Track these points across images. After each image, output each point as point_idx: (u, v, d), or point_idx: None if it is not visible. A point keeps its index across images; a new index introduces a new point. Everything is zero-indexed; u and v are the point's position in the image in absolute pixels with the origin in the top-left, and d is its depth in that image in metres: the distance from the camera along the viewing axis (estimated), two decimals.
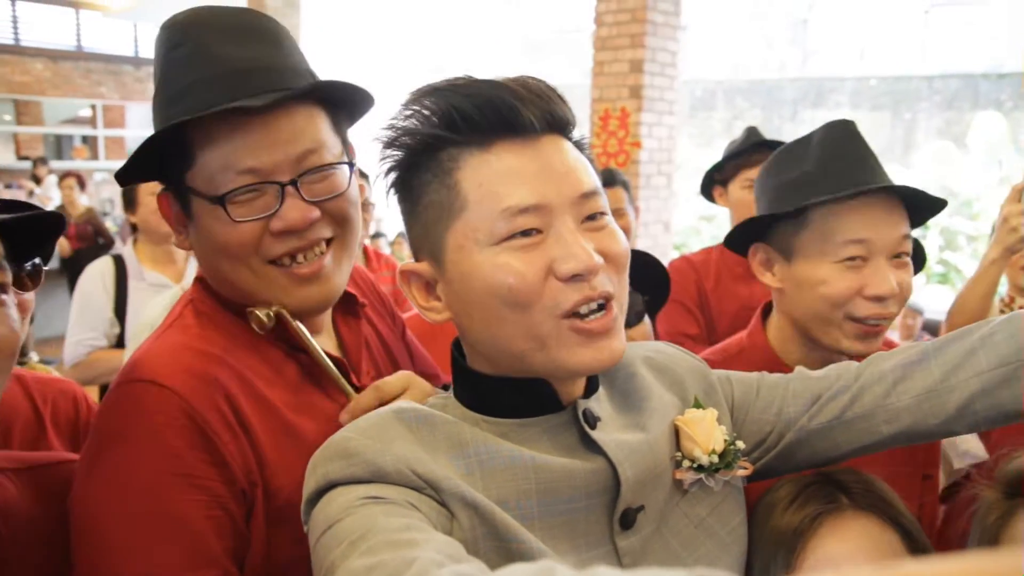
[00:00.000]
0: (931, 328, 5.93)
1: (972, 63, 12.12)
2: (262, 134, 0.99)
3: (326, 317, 1.18)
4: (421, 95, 0.86)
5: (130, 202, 2.80)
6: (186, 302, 1.10)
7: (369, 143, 0.92)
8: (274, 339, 1.07)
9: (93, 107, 13.45)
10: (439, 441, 0.84)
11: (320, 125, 1.05)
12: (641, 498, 0.89)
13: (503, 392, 0.88)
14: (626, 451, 0.88)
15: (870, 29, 13.19)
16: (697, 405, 0.98)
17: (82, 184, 8.06)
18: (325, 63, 12.93)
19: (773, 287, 1.41)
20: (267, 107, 0.98)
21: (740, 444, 0.96)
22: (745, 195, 2.55)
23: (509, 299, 0.81)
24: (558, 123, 0.86)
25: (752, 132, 2.68)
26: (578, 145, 0.89)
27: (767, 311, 1.49)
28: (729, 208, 2.69)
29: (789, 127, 12.82)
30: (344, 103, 1.11)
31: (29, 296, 1.08)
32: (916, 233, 1.73)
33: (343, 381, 1.10)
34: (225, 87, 0.99)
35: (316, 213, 1.03)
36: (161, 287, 2.67)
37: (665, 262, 2.75)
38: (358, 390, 1.12)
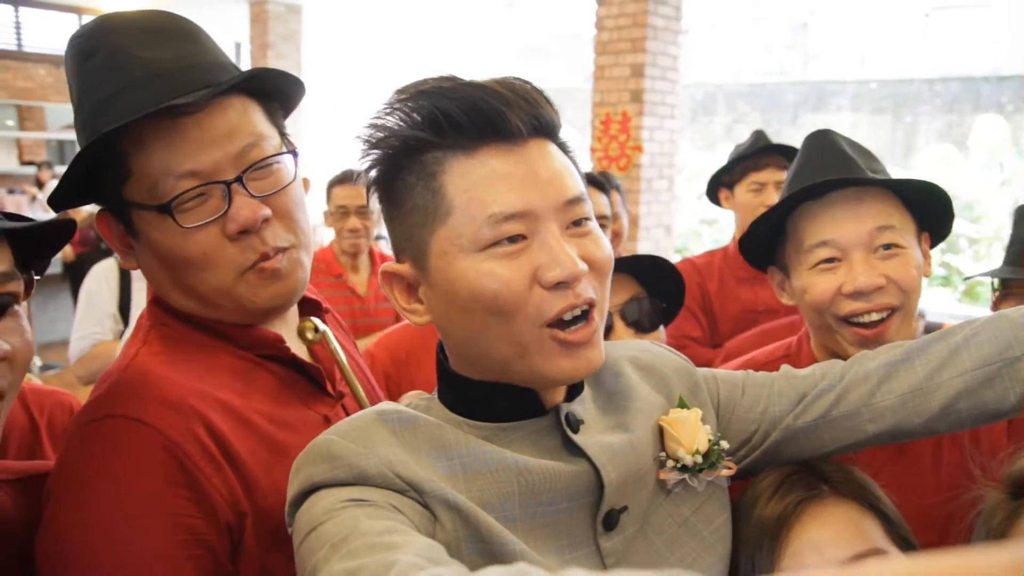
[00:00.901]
0: (933, 331, 5.92)
1: (973, 66, 12.12)
2: (197, 134, 0.96)
3: (294, 324, 1.15)
4: (406, 95, 0.85)
5: None
6: (148, 328, 1.05)
7: (352, 142, 0.90)
8: (241, 348, 1.04)
9: None
10: (422, 443, 0.84)
11: (255, 117, 1.02)
12: (624, 499, 0.89)
13: (486, 396, 0.88)
14: (609, 453, 0.88)
15: (871, 33, 13.19)
16: (682, 404, 0.98)
17: None
18: (325, 67, 12.94)
19: (792, 304, 1.40)
20: (200, 105, 0.94)
21: (724, 444, 0.96)
22: (751, 198, 2.55)
23: (493, 307, 0.81)
24: (544, 127, 0.86)
25: (759, 136, 2.68)
26: (563, 147, 0.89)
27: None
28: (734, 211, 2.69)
29: (790, 131, 12.81)
30: (275, 93, 1.08)
31: (24, 304, 1.08)
32: None
33: (358, 388, 1.07)
34: (151, 90, 0.94)
35: (267, 210, 0.99)
36: None
37: (682, 259, 2.76)
38: (336, 397, 1.11)
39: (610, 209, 2.71)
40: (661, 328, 1.71)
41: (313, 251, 1.11)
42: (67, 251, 7.49)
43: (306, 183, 1.11)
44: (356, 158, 0.89)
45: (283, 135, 1.08)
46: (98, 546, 0.86)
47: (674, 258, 6.45)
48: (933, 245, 1.38)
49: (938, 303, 7.65)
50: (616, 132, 6.26)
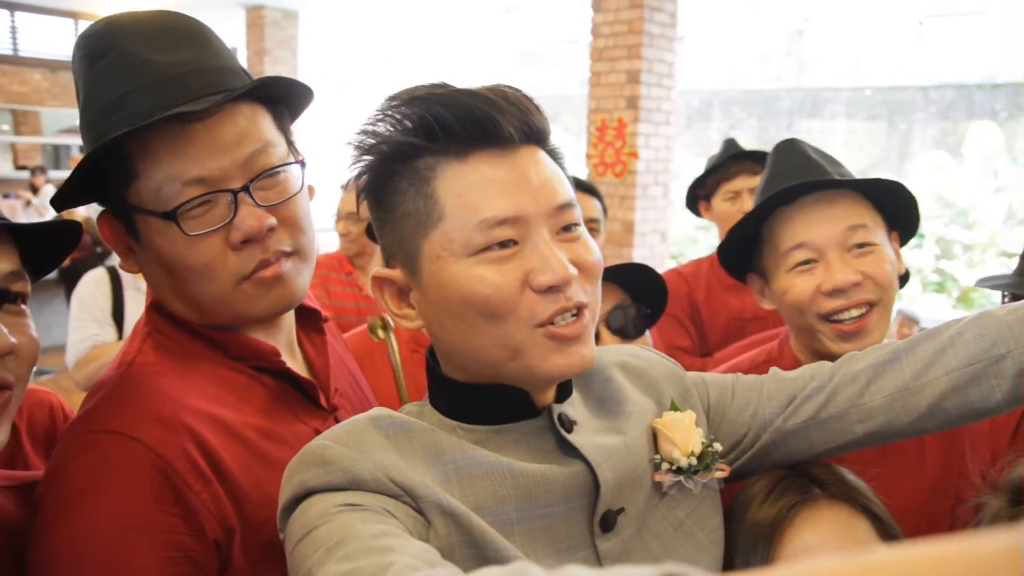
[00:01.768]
0: None
1: (967, 73, 12.18)
2: (206, 140, 0.95)
3: (292, 336, 1.14)
4: (398, 101, 0.85)
5: None
6: (144, 335, 1.04)
7: (342, 148, 0.90)
8: (236, 359, 1.03)
9: None
10: (416, 448, 0.84)
11: (263, 124, 1.01)
12: (621, 500, 0.89)
13: (478, 399, 0.88)
14: (604, 453, 0.89)
15: (865, 40, 13.25)
16: (674, 408, 0.98)
17: None
18: (321, 73, 12.93)
19: (772, 309, 1.43)
20: (209, 111, 0.94)
21: (717, 446, 0.97)
22: (727, 207, 2.57)
23: (485, 310, 0.81)
24: (535, 134, 0.87)
25: (730, 144, 2.70)
26: (553, 154, 0.90)
27: None
28: (714, 221, 2.70)
29: (785, 137, 12.84)
30: (284, 99, 1.07)
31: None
32: (912, 243, 1.74)
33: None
34: (160, 94, 0.93)
35: (272, 220, 0.98)
36: None
37: (661, 271, 2.76)
38: (329, 411, 1.10)
39: (600, 213, 2.70)
40: (648, 334, 1.73)
41: (315, 260, 1.10)
42: None
43: (311, 190, 1.11)
44: (347, 164, 0.89)
45: (290, 142, 1.07)
46: (86, 561, 0.86)
47: (669, 264, 6.47)
48: (902, 244, 1.42)
49: (933, 309, 7.67)
50: (612, 138, 6.27)
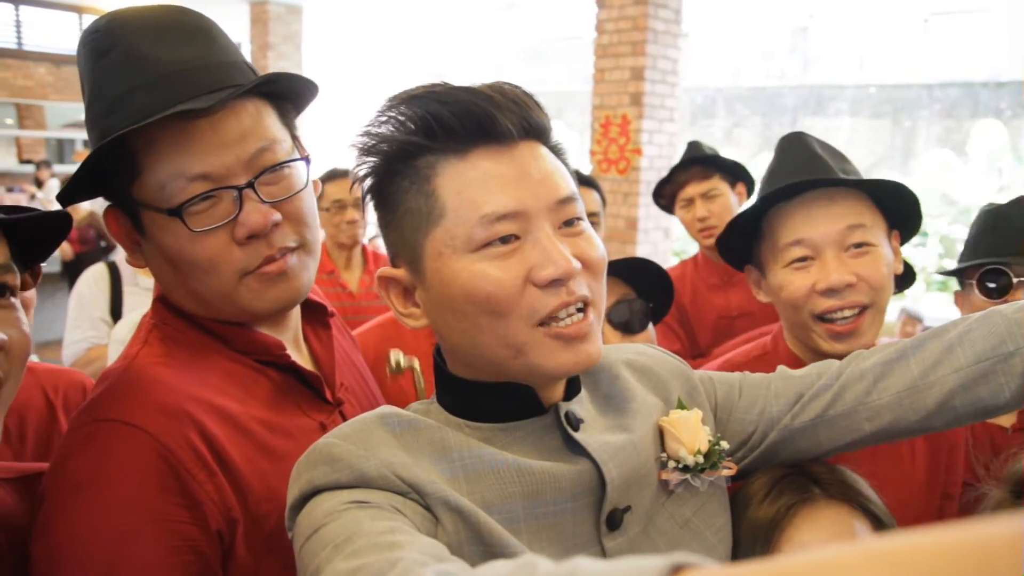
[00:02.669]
0: None
1: (972, 71, 12.15)
2: (210, 136, 0.95)
3: (298, 330, 1.15)
4: (398, 102, 0.85)
5: None
6: (150, 327, 1.04)
7: (345, 149, 0.90)
8: (241, 352, 1.04)
9: None
10: (423, 446, 0.84)
11: (268, 120, 1.01)
12: (627, 499, 0.89)
13: (485, 397, 0.88)
14: (610, 451, 0.88)
15: (870, 37, 13.22)
16: (681, 406, 0.98)
17: None
18: (325, 68, 12.91)
19: (767, 302, 1.43)
20: (213, 108, 0.93)
21: (724, 444, 0.97)
22: (684, 215, 2.59)
23: (487, 307, 0.81)
24: (535, 129, 0.86)
25: (689, 148, 2.70)
26: (555, 150, 0.90)
27: None
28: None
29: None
30: (288, 95, 1.07)
31: (30, 294, 1.09)
32: (915, 242, 1.74)
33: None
34: (165, 91, 0.93)
35: (277, 216, 0.98)
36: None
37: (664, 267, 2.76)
38: (334, 405, 1.10)
39: (600, 206, 2.70)
40: (650, 327, 1.72)
41: (320, 255, 1.10)
42: (66, 250, 7.48)
43: (316, 185, 1.11)
44: (351, 165, 0.89)
45: (295, 138, 1.07)
46: (90, 550, 0.87)
47: (672, 261, 6.45)
48: (903, 242, 1.41)
49: (937, 308, 7.66)
50: (616, 135, 6.27)
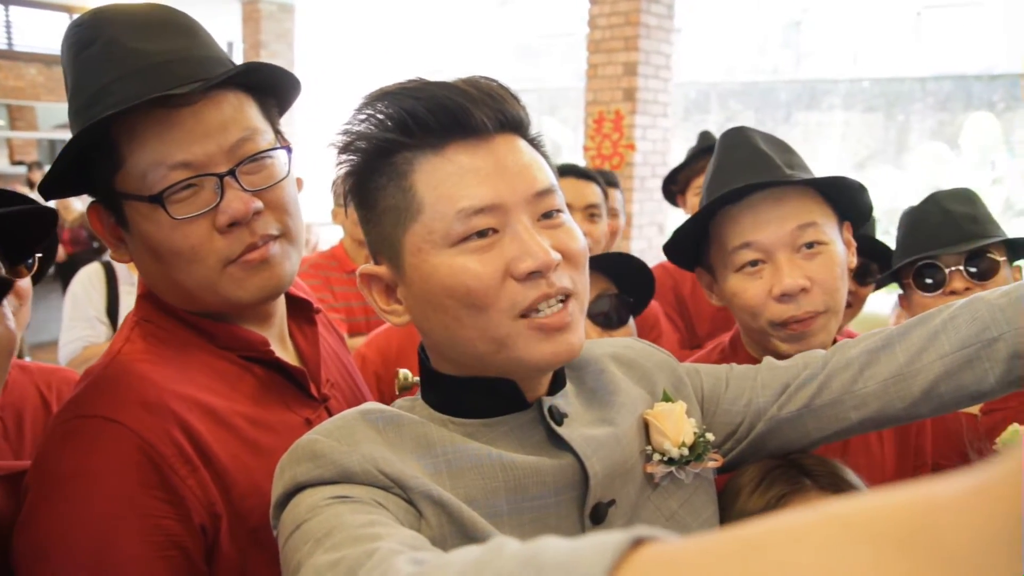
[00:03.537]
0: None
1: (965, 65, 12.17)
2: (191, 125, 0.95)
3: (283, 326, 1.15)
4: (373, 99, 0.86)
5: None
6: (133, 324, 1.05)
7: (325, 148, 0.91)
8: (225, 348, 1.04)
9: None
10: (406, 442, 0.84)
11: (249, 111, 1.02)
12: (611, 492, 0.89)
13: (468, 392, 0.89)
14: (594, 446, 0.88)
15: (863, 31, 13.23)
16: (666, 398, 0.98)
17: None
18: (318, 66, 12.89)
19: (721, 306, 1.41)
20: (194, 96, 0.95)
21: (710, 436, 0.97)
22: (698, 202, 2.56)
23: (467, 301, 0.81)
24: (511, 122, 0.87)
25: (703, 138, 2.70)
26: (533, 143, 0.90)
27: None
28: (689, 215, 2.71)
29: (783, 129, 12.85)
30: (271, 89, 1.07)
31: (25, 284, 1.08)
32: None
33: None
34: (146, 81, 0.94)
35: (258, 203, 0.99)
36: None
37: (656, 263, 2.77)
38: (320, 401, 1.10)
39: (600, 198, 2.69)
40: (631, 322, 1.73)
41: (303, 251, 1.11)
42: (59, 251, 7.45)
43: (299, 183, 1.11)
44: (332, 164, 0.90)
45: (277, 131, 1.07)
46: (72, 545, 0.87)
47: None
48: (855, 229, 1.38)
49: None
50: (609, 131, 6.27)
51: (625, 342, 1.07)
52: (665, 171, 6.58)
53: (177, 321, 1.04)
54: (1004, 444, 1.35)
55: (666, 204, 6.64)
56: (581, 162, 6.47)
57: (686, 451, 0.93)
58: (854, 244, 1.36)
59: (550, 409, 0.89)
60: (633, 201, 6.25)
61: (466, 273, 0.81)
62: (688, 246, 1.41)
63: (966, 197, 1.71)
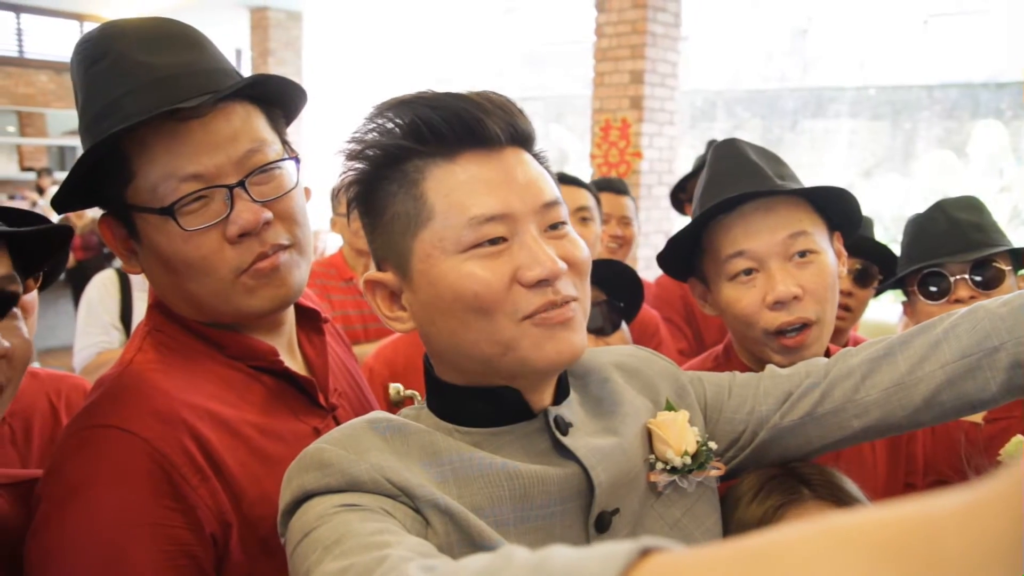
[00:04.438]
0: None
1: (972, 72, 12.15)
2: (200, 137, 0.97)
3: (292, 336, 1.16)
4: (385, 108, 0.87)
5: None
6: (144, 334, 1.06)
7: (333, 156, 0.92)
8: (235, 358, 1.05)
9: None
10: (412, 450, 0.85)
11: (257, 123, 1.03)
12: (616, 501, 0.90)
13: (473, 402, 0.89)
14: (599, 455, 0.89)
15: (869, 39, 13.22)
16: (669, 407, 0.99)
17: None
18: (326, 74, 12.93)
19: (715, 315, 1.41)
20: (203, 109, 0.96)
21: (712, 444, 0.98)
22: None
23: (474, 305, 0.83)
24: (520, 136, 0.89)
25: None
26: (538, 158, 0.92)
27: None
28: None
29: (790, 137, 12.85)
30: (278, 100, 1.09)
31: (31, 297, 1.10)
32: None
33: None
34: (155, 95, 0.96)
35: (268, 214, 1.00)
36: None
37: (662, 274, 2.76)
38: (328, 410, 1.11)
39: (591, 202, 2.67)
40: (624, 328, 1.74)
41: (312, 260, 1.12)
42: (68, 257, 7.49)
43: (308, 192, 1.12)
44: (339, 172, 0.91)
45: (285, 142, 1.09)
46: (83, 554, 0.87)
47: None
48: (846, 239, 1.39)
49: None
50: (616, 138, 6.27)
51: (628, 350, 1.07)
52: (671, 179, 6.59)
53: (187, 331, 1.05)
54: (1008, 456, 1.35)
55: (673, 212, 6.64)
56: (588, 170, 6.48)
57: (689, 460, 0.94)
58: (844, 254, 1.37)
59: (555, 419, 0.90)
60: (640, 209, 6.23)
61: (474, 279, 0.82)
62: (681, 257, 1.42)
63: (972, 205, 1.71)
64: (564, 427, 0.90)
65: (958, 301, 1.59)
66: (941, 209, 1.70)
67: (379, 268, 0.93)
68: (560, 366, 0.87)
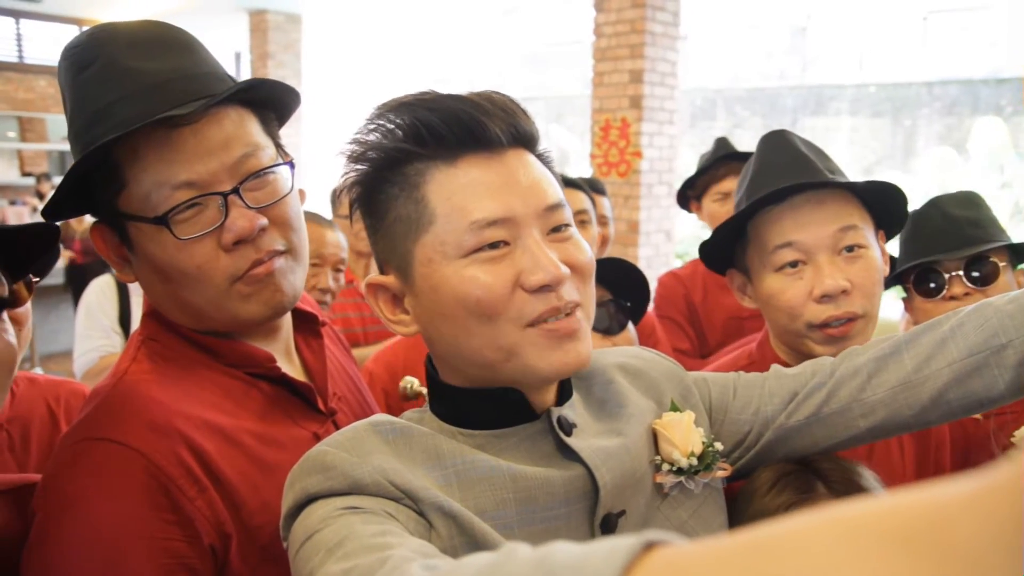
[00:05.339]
0: None
1: (972, 69, 12.15)
2: (193, 144, 0.95)
3: (289, 341, 1.15)
4: (386, 110, 0.86)
5: None
6: (138, 343, 1.04)
7: (334, 158, 0.91)
8: (231, 365, 1.04)
9: None
10: (416, 453, 0.85)
11: (251, 127, 1.01)
12: (621, 503, 0.89)
13: (476, 404, 0.89)
14: (603, 456, 0.88)
15: (869, 36, 13.22)
16: (674, 408, 0.98)
17: None
18: (325, 76, 12.93)
19: (754, 308, 1.41)
20: (195, 115, 0.94)
21: (718, 445, 0.97)
22: (717, 208, 2.57)
23: (476, 311, 0.82)
24: (523, 137, 0.87)
25: (720, 144, 2.69)
26: (542, 159, 0.90)
27: None
28: (705, 221, 2.70)
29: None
30: (270, 103, 1.07)
31: (23, 310, 1.09)
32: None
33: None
34: (147, 101, 0.93)
35: (263, 220, 0.98)
36: None
37: (666, 271, 2.77)
38: (327, 415, 1.10)
39: (588, 205, 2.69)
40: (630, 327, 1.73)
41: (307, 261, 1.11)
42: (62, 260, 7.50)
43: (302, 194, 1.10)
44: (340, 174, 0.90)
45: (278, 146, 1.07)
46: (80, 568, 0.87)
47: (675, 263, 6.45)
48: (888, 239, 1.39)
49: None
50: (616, 138, 6.27)
51: (632, 351, 1.07)
52: (672, 178, 6.59)
53: (182, 339, 1.04)
54: (1021, 440, 1.34)
55: (673, 211, 6.65)
56: (588, 170, 6.48)
57: (695, 461, 0.93)
58: (887, 253, 1.36)
59: (559, 420, 0.89)
60: (640, 208, 6.25)
61: (476, 283, 0.81)
62: (722, 249, 1.41)
63: (969, 200, 1.70)
64: (568, 428, 0.89)
65: (953, 298, 1.59)
66: (936, 205, 1.69)
67: (381, 271, 0.92)
68: (565, 375, 0.86)
